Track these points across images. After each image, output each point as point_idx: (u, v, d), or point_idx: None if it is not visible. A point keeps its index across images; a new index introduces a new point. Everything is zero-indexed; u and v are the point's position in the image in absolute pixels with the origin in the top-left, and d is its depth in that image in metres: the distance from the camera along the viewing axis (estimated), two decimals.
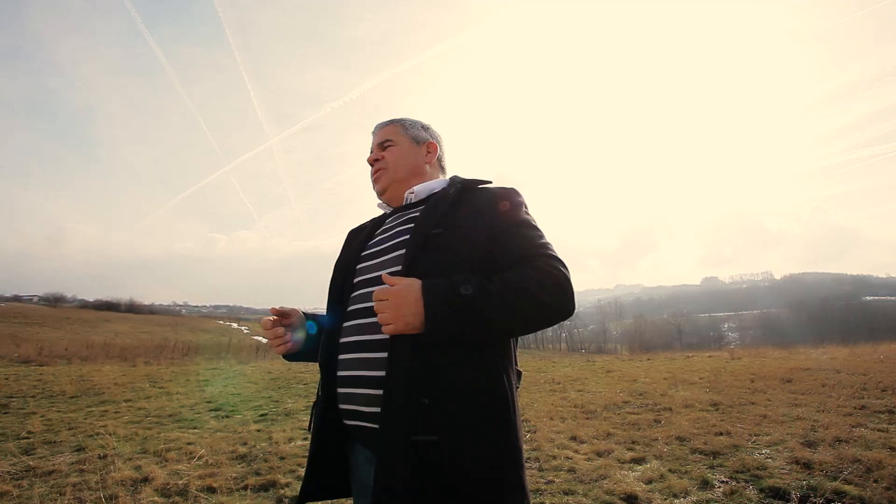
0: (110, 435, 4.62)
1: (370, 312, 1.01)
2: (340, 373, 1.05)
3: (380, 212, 1.32)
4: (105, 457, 3.88)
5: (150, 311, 61.52)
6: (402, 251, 1.04)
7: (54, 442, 4.43)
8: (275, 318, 1.14)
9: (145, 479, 3.28)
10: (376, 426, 0.93)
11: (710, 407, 5.73)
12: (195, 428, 5.09)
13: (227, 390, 8.08)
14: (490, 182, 1.19)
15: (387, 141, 1.26)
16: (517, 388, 1.03)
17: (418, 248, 1.01)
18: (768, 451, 3.78)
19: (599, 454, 3.91)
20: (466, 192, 1.14)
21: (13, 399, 6.91)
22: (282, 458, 3.81)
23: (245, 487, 3.17)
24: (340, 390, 1.05)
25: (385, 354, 0.95)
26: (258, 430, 4.89)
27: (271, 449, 4.11)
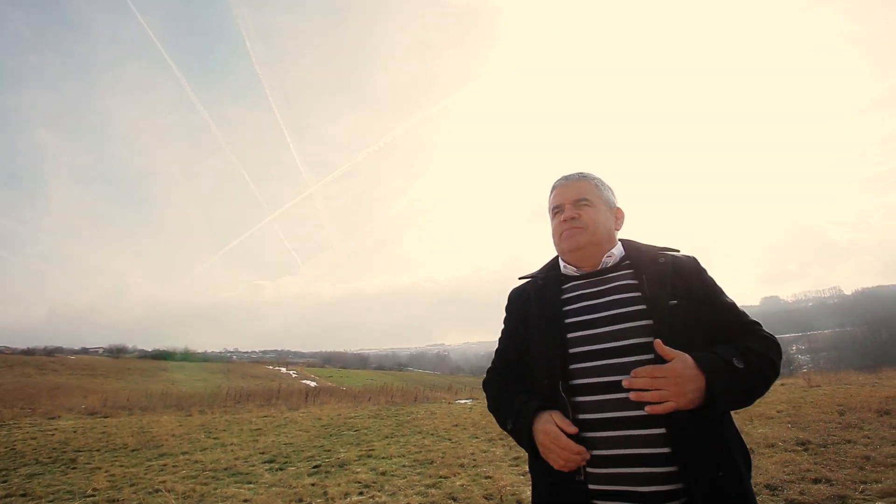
0: (168, 492, 4.64)
1: (616, 387, 1.02)
2: (599, 452, 1.02)
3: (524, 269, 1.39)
4: None
5: (204, 358, 63.94)
6: (633, 323, 1.07)
7: (117, 500, 4.48)
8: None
9: None
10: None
11: (797, 447, 5.11)
12: (250, 483, 5.04)
13: (280, 440, 8.06)
14: (679, 251, 1.23)
15: (583, 199, 1.23)
16: None
17: (664, 320, 1.05)
18: (884, 503, 3.29)
19: None
20: (677, 262, 1.16)
21: (80, 453, 7.15)
22: None
23: None
24: (599, 470, 1.02)
25: (660, 431, 0.99)
26: (312, 485, 4.77)
27: None
